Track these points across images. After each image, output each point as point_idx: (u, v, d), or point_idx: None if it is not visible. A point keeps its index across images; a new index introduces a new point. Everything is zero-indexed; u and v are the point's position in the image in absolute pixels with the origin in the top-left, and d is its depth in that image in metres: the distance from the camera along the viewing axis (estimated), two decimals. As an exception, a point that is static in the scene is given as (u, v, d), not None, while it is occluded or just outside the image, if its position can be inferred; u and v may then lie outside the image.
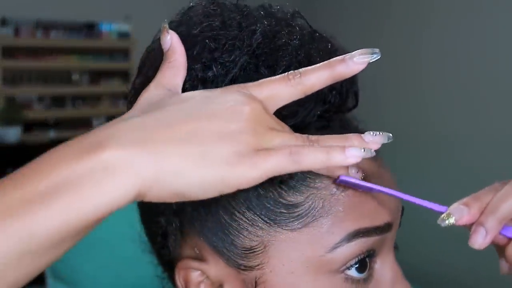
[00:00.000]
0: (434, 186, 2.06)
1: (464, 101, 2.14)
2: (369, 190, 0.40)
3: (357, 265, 0.40)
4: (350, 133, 0.40)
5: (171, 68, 0.38)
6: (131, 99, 0.42)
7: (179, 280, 0.43)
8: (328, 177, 0.40)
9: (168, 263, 0.45)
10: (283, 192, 0.40)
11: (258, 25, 0.40)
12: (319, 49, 0.41)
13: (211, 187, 0.32)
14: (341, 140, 0.36)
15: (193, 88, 0.38)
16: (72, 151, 0.31)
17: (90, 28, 2.59)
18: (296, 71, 0.36)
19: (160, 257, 0.47)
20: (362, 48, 0.38)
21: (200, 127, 0.33)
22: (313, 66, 0.36)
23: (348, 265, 0.39)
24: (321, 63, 0.37)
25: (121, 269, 1.97)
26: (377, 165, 0.42)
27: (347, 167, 0.39)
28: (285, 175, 0.40)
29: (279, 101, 0.36)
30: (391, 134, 0.36)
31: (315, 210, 0.40)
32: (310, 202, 0.40)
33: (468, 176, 2.04)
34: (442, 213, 0.37)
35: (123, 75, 2.72)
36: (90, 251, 1.97)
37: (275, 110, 0.36)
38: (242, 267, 0.41)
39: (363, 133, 0.38)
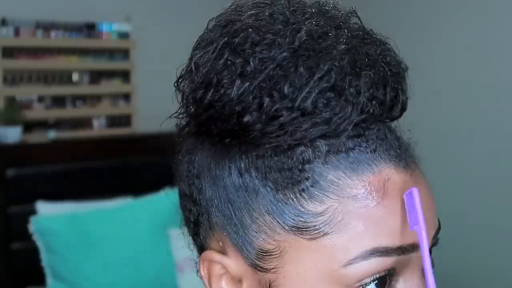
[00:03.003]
0: (436, 185, 2.06)
1: (467, 101, 2.14)
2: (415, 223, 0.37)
3: (375, 282, 0.38)
4: (387, 144, 0.39)
5: None
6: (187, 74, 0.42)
7: (202, 270, 0.44)
8: (352, 188, 0.38)
9: (201, 249, 0.47)
10: (303, 200, 0.39)
11: (306, 23, 0.38)
12: (368, 54, 0.39)
13: None
14: None
15: (232, 82, 0.37)
16: None
17: (90, 28, 2.59)
18: None
19: (195, 242, 0.48)
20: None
21: None
22: None
23: (363, 282, 0.38)
24: None
25: (121, 269, 1.98)
26: (412, 181, 0.40)
27: None
28: (307, 182, 0.39)
29: None
30: None
31: (333, 222, 0.38)
32: (329, 214, 0.38)
33: (471, 176, 2.04)
34: None
35: (123, 75, 2.71)
36: (90, 251, 1.98)
37: None
38: (258, 268, 0.41)
39: (404, 144, 0.36)
